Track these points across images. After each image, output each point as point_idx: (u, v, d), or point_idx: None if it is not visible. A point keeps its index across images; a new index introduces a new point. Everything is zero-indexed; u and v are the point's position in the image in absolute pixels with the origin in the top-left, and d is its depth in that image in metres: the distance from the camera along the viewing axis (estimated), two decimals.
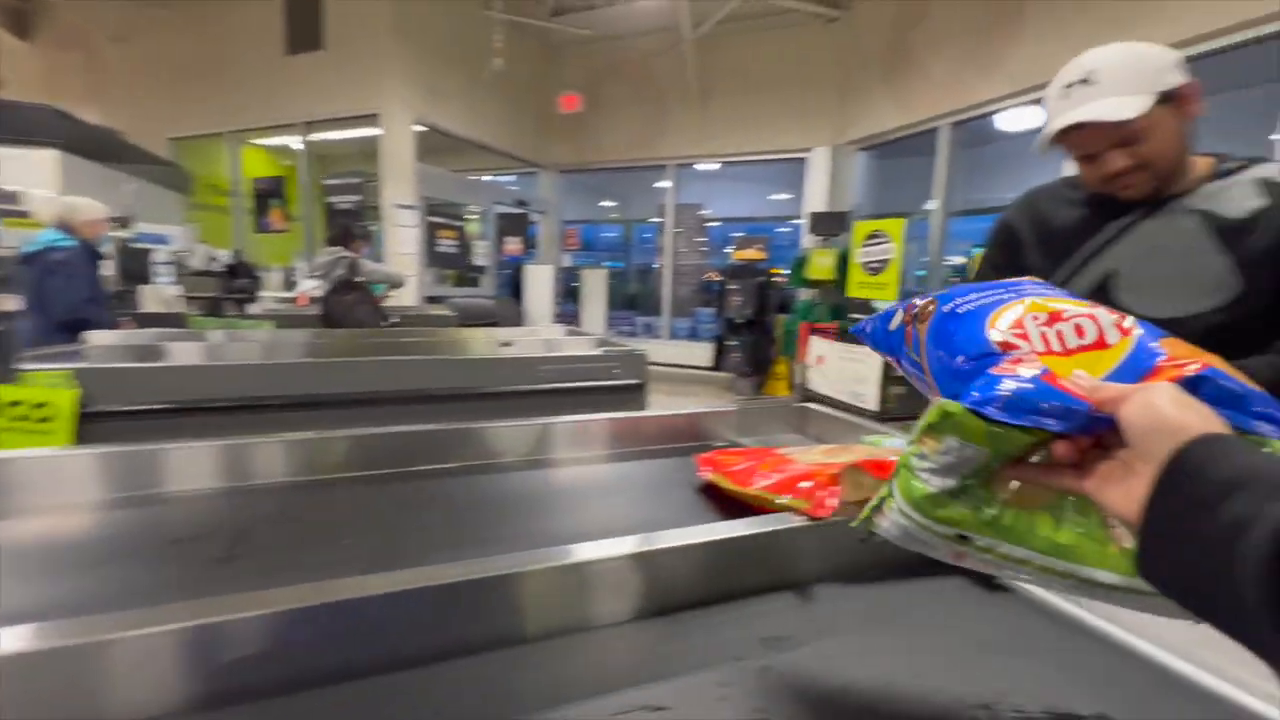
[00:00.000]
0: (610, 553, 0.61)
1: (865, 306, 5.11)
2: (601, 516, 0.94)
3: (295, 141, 6.11)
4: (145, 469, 0.90)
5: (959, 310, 0.46)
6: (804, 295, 6.24)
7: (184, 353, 2.06)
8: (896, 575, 0.71)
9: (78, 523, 0.82)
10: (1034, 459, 0.41)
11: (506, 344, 2.66)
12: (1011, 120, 4.91)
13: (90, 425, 1.28)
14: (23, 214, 3.28)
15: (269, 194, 6.13)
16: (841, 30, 6.13)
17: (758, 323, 6.48)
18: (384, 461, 1.02)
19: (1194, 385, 0.37)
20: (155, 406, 1.46)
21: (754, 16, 6.13)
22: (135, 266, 3.73)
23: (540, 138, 7.58)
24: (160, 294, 3.57)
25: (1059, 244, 1.07)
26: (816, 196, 6.48)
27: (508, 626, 0.56)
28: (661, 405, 1.33)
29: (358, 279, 3.92)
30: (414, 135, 5.54)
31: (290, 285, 5.50)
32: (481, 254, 6.94)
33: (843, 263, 5.56)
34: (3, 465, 0.84)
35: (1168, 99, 0.90)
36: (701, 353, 7.20)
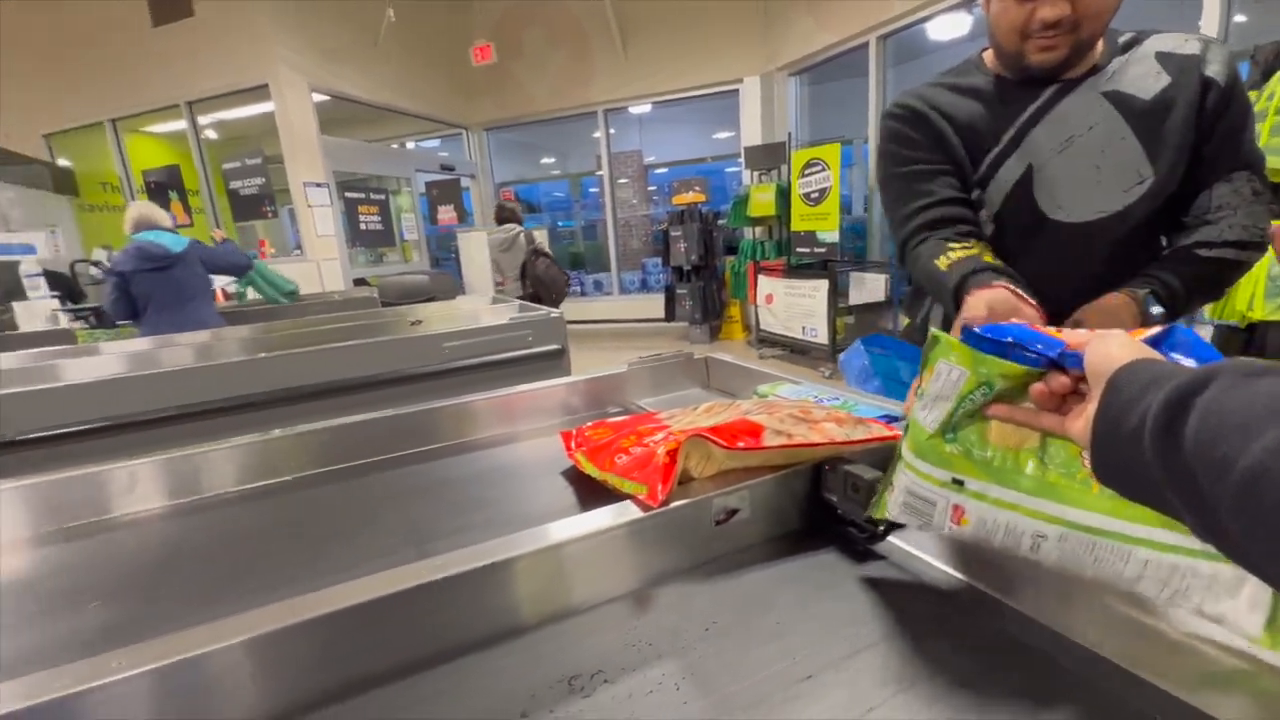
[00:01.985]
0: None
1: (810, 240, 4.98)
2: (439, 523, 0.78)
3: (187, 124, 5.54)
4: (83, 494, 0.84)
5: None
6: (748, 235, 6.10)
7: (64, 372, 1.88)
8: (744, 564, 0.59)
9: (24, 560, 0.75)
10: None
11: (416, 322, 2.47)
12: (943, 28, 4.67)
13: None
14: None
15: (164, 185, 5.55)
16: None
17: (706, 267, 6.34)
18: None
19: (1161, 336, 0.44)
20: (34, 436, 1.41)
21: None
22: (7, 280, 3.34)
23: (458, 95, 7.09)
24: (32, 309, 3.19)
25: (973, 137, 0.98)
26: (753, 130, 6.24)
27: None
28: (599, 366, 1.17)
29: (537, 246, 4.57)
30: (313, 105, 5.07)
31: None
32: (411, 227, 6.55)
33: (784, 197, 5.39)
34: None
35: None
36: (654, 305, 7.04)
